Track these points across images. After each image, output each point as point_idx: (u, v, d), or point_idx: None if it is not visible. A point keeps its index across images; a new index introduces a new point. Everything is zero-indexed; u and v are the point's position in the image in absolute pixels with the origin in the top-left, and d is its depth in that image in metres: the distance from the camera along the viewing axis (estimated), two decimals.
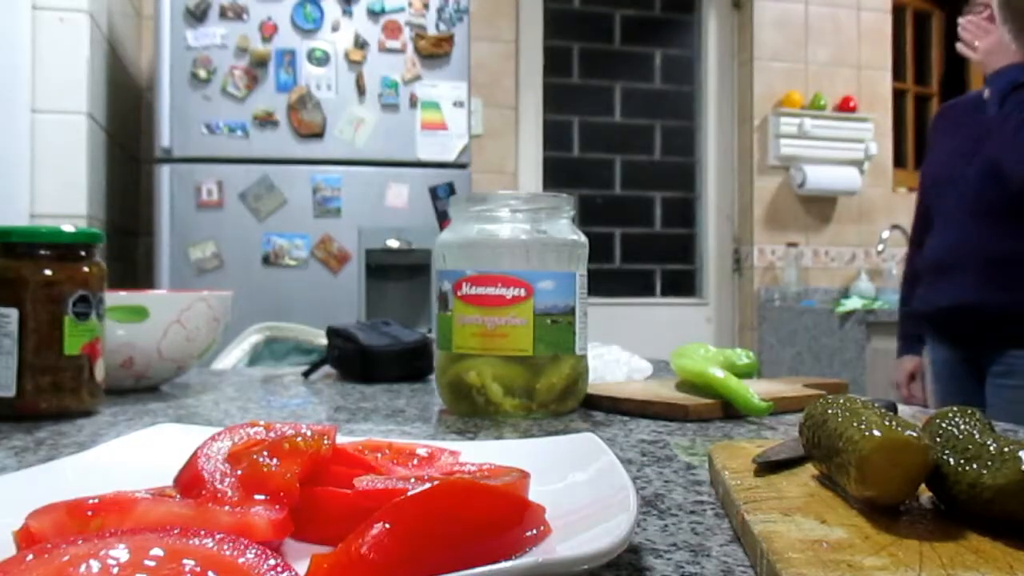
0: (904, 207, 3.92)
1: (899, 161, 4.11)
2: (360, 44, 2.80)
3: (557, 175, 3.74)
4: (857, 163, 3.84)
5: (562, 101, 3.79)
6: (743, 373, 1.03)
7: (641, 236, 3.87)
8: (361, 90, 2.79)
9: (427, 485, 0.37)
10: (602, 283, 3.65)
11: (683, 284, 3.94)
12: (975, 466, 0.43)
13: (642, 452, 0.70)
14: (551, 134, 3.76)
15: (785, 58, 3.87)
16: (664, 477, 0.61)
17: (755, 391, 0.87)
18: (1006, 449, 0.43)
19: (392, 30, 2.82)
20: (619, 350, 1.19)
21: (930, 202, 2.16)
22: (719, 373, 0.88)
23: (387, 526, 0.35)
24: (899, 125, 4.13)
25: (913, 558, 0.38)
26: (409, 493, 0.37)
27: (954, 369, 2.11)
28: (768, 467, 0.56)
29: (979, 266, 1.97)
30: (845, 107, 3.86)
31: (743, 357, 1.07)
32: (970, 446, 0.45)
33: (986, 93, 2.00)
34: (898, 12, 4.09)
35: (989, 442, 0.44)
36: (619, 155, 3.86)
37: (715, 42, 3.95)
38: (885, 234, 3.76)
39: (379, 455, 0.52)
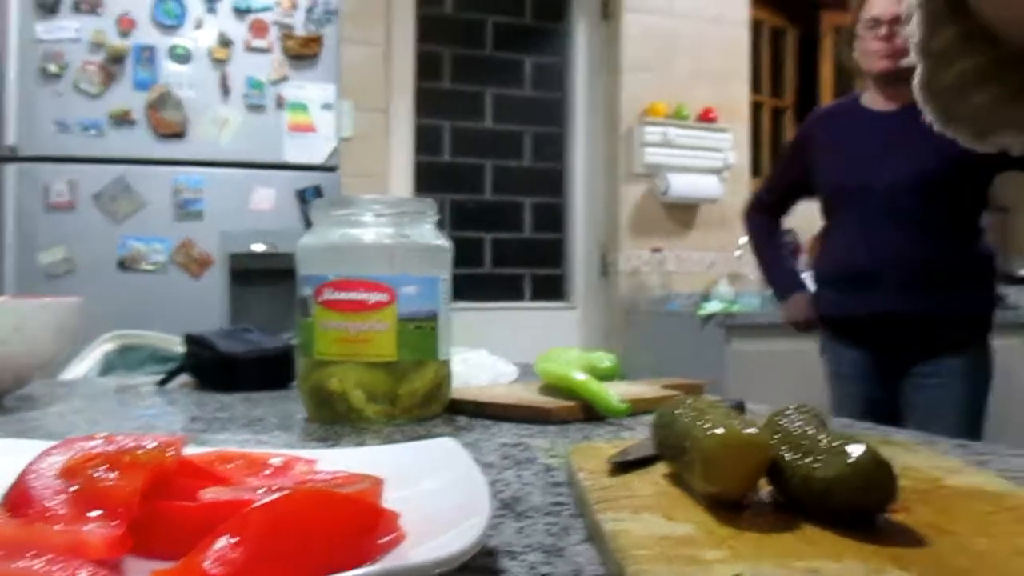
0: None
1: (756, 170, 4.29)
2: (224, 42, 2.72)
3: (428, 179, 3.73)
4: (717, 171, 4.00)
5: (434, 106, 3.79)
6: (605, 376, 1.06)
7: (511, 241, 3.91)
8: (225, 90, 2.71)
9: (274, 495, 0.36)
10: (472, 288, 3.66)
11: (552, 288, 4.00)
12: (809, 460, 0.46)
13: (503, 455, 0.71)
14: (422, 138, 3.75)
15: (651, 69, 3.98)
16: (523, 480, 0.62)
17: (615, 393, 0.89)
18: (836, 443, 0.45)
19: (259, 29, 2.76)
20: (485, 354, 1.19)
21: (836, 206, 2.22)
22: (580, 376, 0.89)
23: (232, 539, 0.35)
24: (756, 136, 4.32)
25: (751, 550, 0.39)
26: (255, 504, 0.36)
27: (865, 371, 2.20)
28: (622, 467, 0.57)
29: (903, 274, 2.06)
30: (706, 118, 4.01)
31: (605, 360, 1.09)
32: (805, 441, 0.47)
33: None
34: (756, 28, 4.28)
35: (822, 437, 0.47)
36: (490, 160, 3.89)
37: (584, 51, 4.03)
38: (743, 240, 3.92)
39: (230, 466, 0.50)
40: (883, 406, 2.18)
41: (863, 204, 2.11)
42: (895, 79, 2.10)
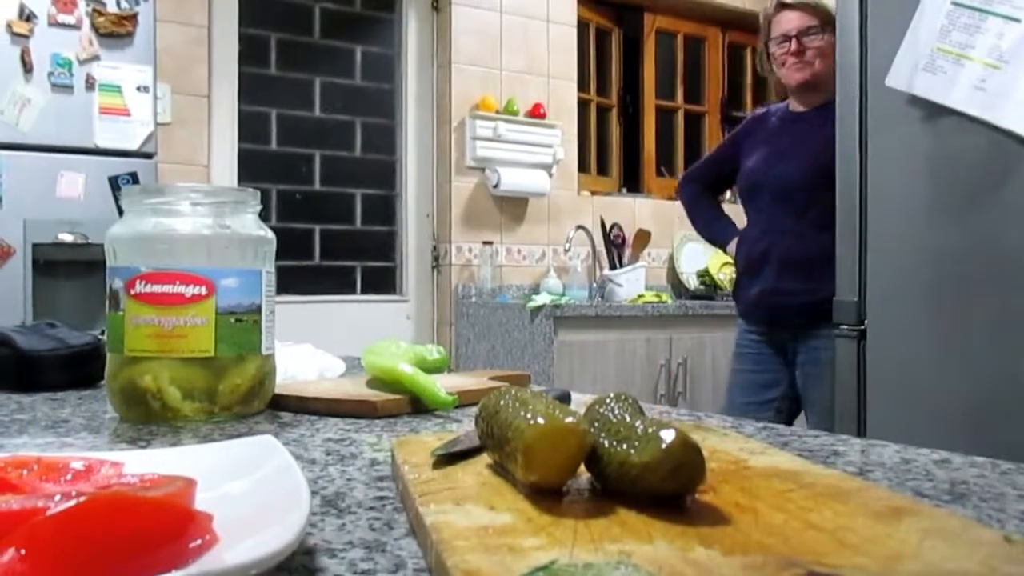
0: (587, 209, 4.23)
1: (583, 166, 4.42)
2: (26, 16, 2.52)
3: (253, 169, 3.60)
4: (546, 167, 4.08)
5: (259, 92, 3.66)
6: (434, 368, 1.06)
7: (341, 233, 3.84)
8: (27, 67, 2.52)
9: (70, 503, 0.34)
10: (301, 280, 3.57)
11: (384, 281, 3.96)
12: (624, 446, 0.47)
13: (327, 451, 0.70)
14: (247, 126, 3.62)
15: (481, 63, 4.01)
16: (347, 475, 0.61)
17: (443, 385, 0.89)
18: (650, 430, 0.47)
19: (65, 3, 2.57)
20: (311, 348, 1.17)
21: (748, 199, 2.38)
22: (407, 369, 0.89)
23: (21, 552, 0.32)
24: (583, 132, 4.44)
25: (568, 536, 0.40)
26: (48, 513, 0.33)
27: (761, 350, 2.36)
28: (447, 459, 0.57)
29: (782, 261, 2.23)
30: (536, 114, 4.08)
31: (434, 352, 1.09)
32: (622, 428, 0.49)
33: None
34: (582, 28, 4.40)
35: (637, 424, 0.49)
36: (319, 150, 3.80)
37: (415, 43, 4.01)
38: (571, 234, 4.02)
39: (24, 472, 0.47)
40: (776, 388, 2.34)
41: (765, 196, 2.29)
42: (807, 88, 2.27)
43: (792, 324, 2.27)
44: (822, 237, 2.15)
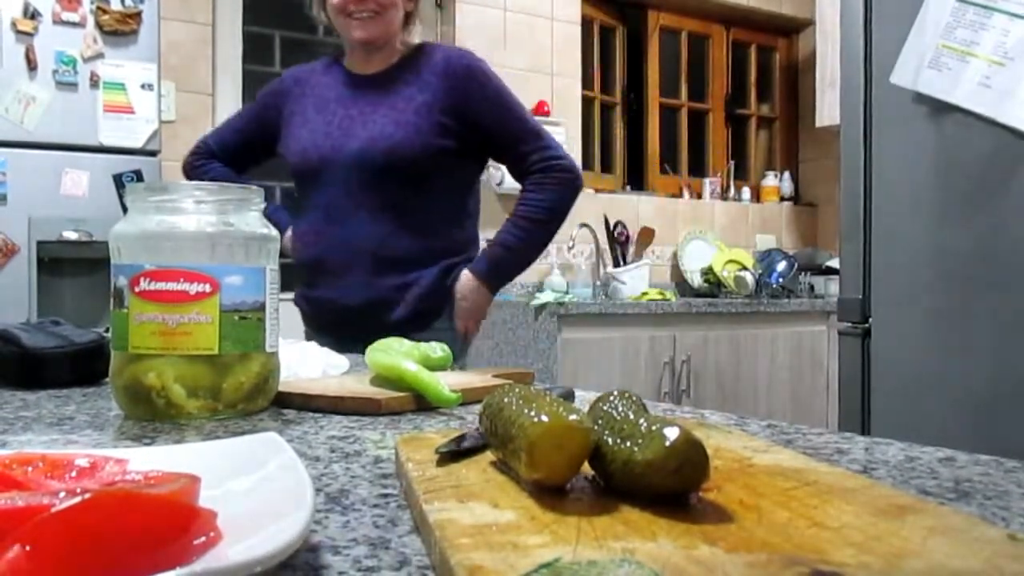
0: (591, 207, 4.23)
1: (586, 164, 4.41)
2: (30, 14, 2.52)
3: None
4: None
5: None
6: (437, 365, 1.06)
7: None
8: (32, 65, 2.52)
9: (75, 499, 0.34)
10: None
11: None
12: (628, 444, 0.47)
13: (331, 448, 0.70)
14: None
15: (485, 61, 4.01)
16: (351, 472, 0.61)
17: (447, 383, 0.89)
18: (654, 427, 0.47)
19: (70, 1, 2.58)
20: (315, 346, 1.17)
21: (303, 181, 1.90)
22: (411, 366, 0.89)
23: (26, 548, 0.32)
24: (587, 130, 4.43)
25: (571, 534, 0.40)
26: (53, 510, 0.33)
27: None
28: (451, 456, 0.57)
29: (358, 261, 1.81)
30: (540, 111, 4.08)
31: (437, 350, 1.09)
32: (625, 426, 0.49)
33: None
34: (586, 25, 4.39)
35: (641, 421, 0.49)
36: None
37: (419, 40, 4.01)
38: (575, 231, 4.02)
39: (29, 469, 0.47)
40: None
41: (327, 181, 1.82)
42: (371, 48, 1.87)
43: (366, 336, 1.85)
44: (411, 231, 1.80)
